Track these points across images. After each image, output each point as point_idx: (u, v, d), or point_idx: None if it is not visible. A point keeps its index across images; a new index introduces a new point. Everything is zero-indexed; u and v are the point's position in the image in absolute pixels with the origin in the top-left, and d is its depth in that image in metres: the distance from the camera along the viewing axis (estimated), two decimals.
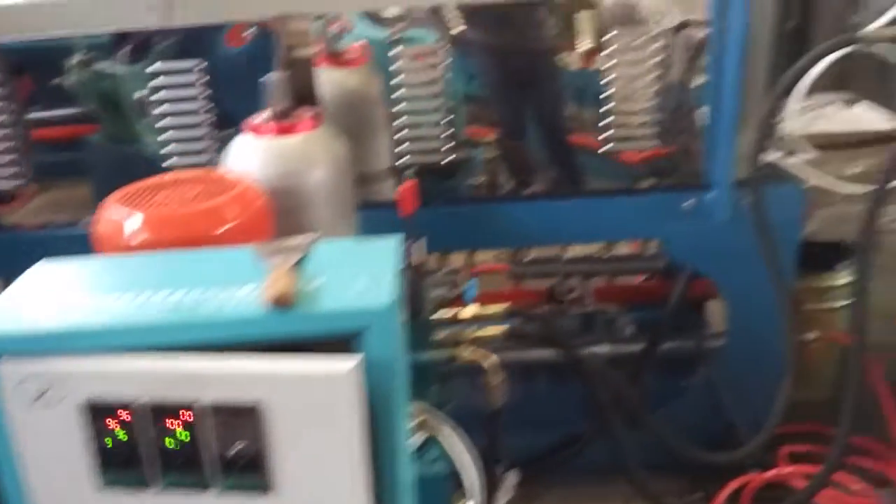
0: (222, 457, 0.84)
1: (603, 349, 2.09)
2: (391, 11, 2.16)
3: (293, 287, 0.87)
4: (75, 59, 2.99)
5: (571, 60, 2.99)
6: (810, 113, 1.74)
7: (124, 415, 0.83)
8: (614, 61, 1.70)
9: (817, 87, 1.74)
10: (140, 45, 2.70)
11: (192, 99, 1.70)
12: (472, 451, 1.19)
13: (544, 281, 2.39)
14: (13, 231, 1.87)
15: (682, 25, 1.91)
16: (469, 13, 2.82)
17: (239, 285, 0.90)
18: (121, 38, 2.87)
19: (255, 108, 1.46)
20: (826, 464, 1.66)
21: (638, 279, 2.47)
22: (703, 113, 1.75)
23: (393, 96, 1.77)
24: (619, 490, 1.89)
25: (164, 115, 1.71)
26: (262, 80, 1.45)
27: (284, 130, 1.41)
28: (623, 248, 2.38)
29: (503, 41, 2.57)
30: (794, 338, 1.72)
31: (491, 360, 1.35)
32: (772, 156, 1.75)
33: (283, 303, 0.85)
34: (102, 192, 1.24)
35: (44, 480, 0.88)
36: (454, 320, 1.39)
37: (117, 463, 0.85)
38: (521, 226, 1.78)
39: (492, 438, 1.40)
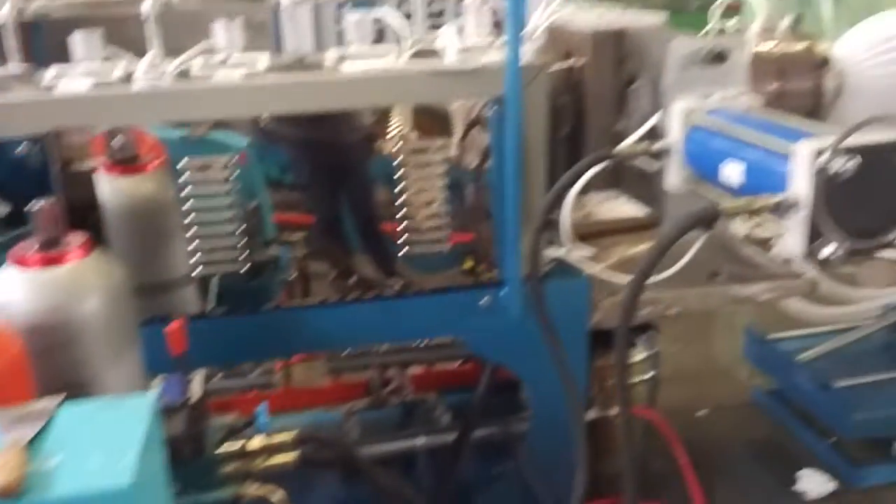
0: None
1: (420, 441, 2.11)
2: None
3: (22, 472, 0.82)
4: None
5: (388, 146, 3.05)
6: (583, 209, 1.88)
7: None
8: (402, 159, 1.77)
9: (591, 186, 1.88)
10: None
11: None
12: None
13: (362, 373, 2.40)
14: None
15: (473, 123, 2.01)
16: None
17: None
18: None
19: None
20: None
21: (456, 364, 2.53)
22: None
23: (184, 208, 1.73)
24: None
25: None
26: (27, 207, 1.37)
27: (51, 261, 1.33)
28: None
29: (315, 133, 2.59)
30: (581, 422, 1.80)
31: (278, 495, 1.32)
32: (557, 252, 1.87)
33: (8, 493, 0.80)
34: None
35: None
36: (243, 453, 1.36)
37: None
38: (320, 331, 1.77)
39: None
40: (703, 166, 1.41)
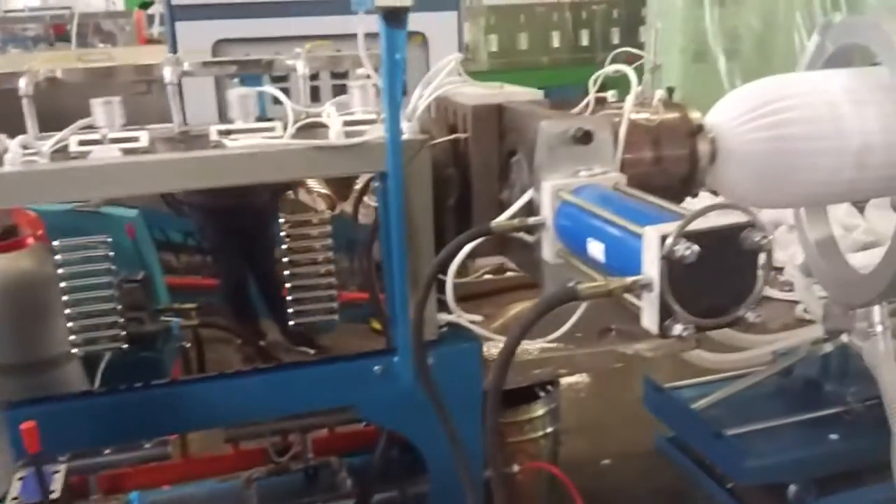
0: None
1: None
2: None
3: None
4: None
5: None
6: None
7: None
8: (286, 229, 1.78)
9: (479, 252, 1.93)
10: None
11: None
12: None
13: (263, 439, 2.36)
14: None
15: (366, 187, 2.03)
16: None
17: None
18: None
19: None
20: None
21: (360, 425, 2.51)
22: None
23: (62, 285, 1.70)
24: None
25: None
26: None
27: None
28: None
29: (219, 197, 2.57)
30: (475, 485, 1.82)
31: None
32: (449, 316, 1.91)
33: None
34: None
35: None
36: None
37: None
38: (207, 406, 1.75)
39: None
40: (573, 242, 1.46)
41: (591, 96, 2.01)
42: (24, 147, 1.55)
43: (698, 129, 2.02)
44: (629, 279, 1.17)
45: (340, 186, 2.14)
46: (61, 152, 1.60)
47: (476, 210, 1.89)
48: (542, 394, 2.39)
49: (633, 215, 1.28)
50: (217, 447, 2.29)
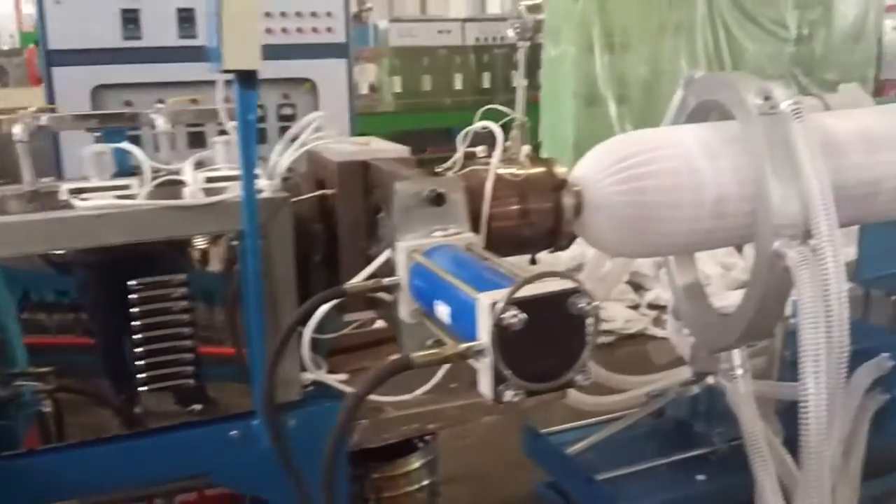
0: None
1: None
2: None
3: None
4: None
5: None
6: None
7: None
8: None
9: (351, 308, 1.93)
10: None
11: None
12: None
13: None
14: None
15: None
16: None
17: None
18: None
19: None
20: None
21: None
22: None
23: None
24: None
25: None
26: None
27: None
28: None
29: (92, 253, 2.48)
30: None
31: None
32: (313, 374, 1.89)
33: None
34: None
35: None
36: None
37: None
38: (57, 477, 1.67)
39: None
40: (425, 304, 1.48)
41: (460, 152, 2.05)
42: None
43: (562, 184, 2.08)
44: (464, 345, 1.19)
45: None
46: None
47: (344, 266, 1.89)
48: (420, 445, 2.38)
49: (475, 280, 1.31)
50: None
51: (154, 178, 1.74)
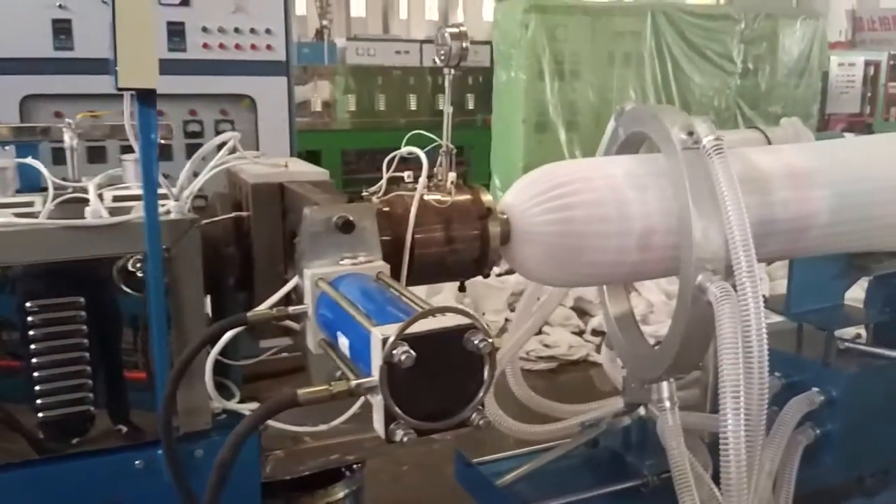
0: None
1: None
2: None
3: None
4: None
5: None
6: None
7: None
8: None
9: (266, 332, 1.87)
10: None
11: None
12: None
13: None
14: None
15: None
16: None
17: None
18: None
19: None
20: None
21: None
22: None
23: None
24: None
25: None
26: None
27: None
28: None
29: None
30: None
31: None
32: (225, 403, 1.82)
33: None
34: None
35: None
36: None
37: None
38: None
39: None
40: (330, 334, 1.42)
41: (385, 178, 2.01)
42: None
43: (488, 212, 2.05)
44: (354, 382, 1.14)
45: None
46: None
47: (258, 291, 1.83)
48: (347, 473, 2.32)
49: (377, 312, 1.26)
50: None
51: (59, 196, 1.66)
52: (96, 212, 1.58)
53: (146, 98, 1.42)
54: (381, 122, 8.30)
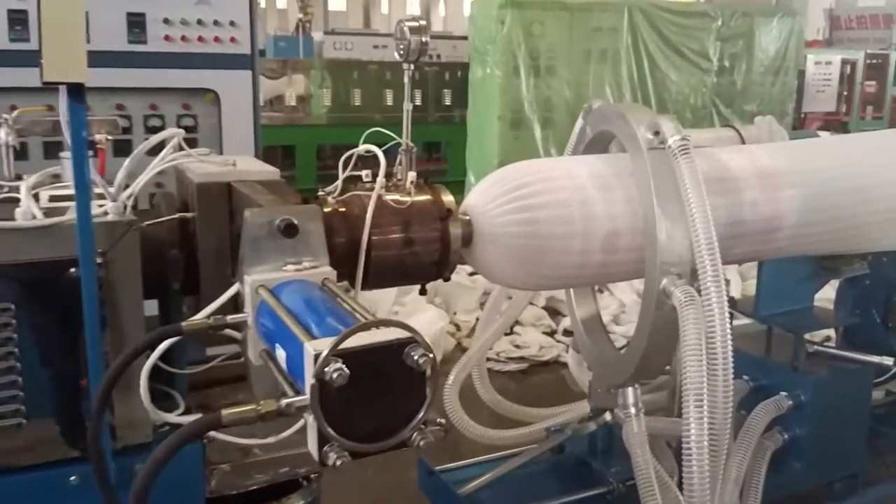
0: None
1: None
2: None
3: None
4: None
5: None
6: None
7: None
8: None
9: (216, 341, 1.79)
10: None
11: None
12: None
13: None
14: None
15: None
16: None
17: None
18: None
19: None
20: None
21: None
22: None
23: None
24: None
25: None
26: None
27: None
28: None
29: None
30: None
31: None
32: (169, 416, 1.73)
33: None
34: None
35: None
36: None
37: None
38: None
39: None
40: (270, 345, 1.35)
41: (341, 177, 1.94)
42: None
43: (449, 213, 1.98)
44: (284, 402, 1.06)
45: None
46: None
47: (205, 296, 1.74)
48: (304, 483, 2.24)
49: (317, 323, 1.18)
50: None
51: None
52: (27, 213, 1.49)
53: (76, 93, 1.33)
54: (356, 116, 8.19)
